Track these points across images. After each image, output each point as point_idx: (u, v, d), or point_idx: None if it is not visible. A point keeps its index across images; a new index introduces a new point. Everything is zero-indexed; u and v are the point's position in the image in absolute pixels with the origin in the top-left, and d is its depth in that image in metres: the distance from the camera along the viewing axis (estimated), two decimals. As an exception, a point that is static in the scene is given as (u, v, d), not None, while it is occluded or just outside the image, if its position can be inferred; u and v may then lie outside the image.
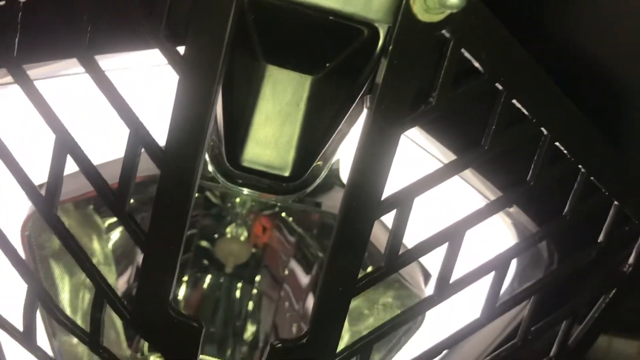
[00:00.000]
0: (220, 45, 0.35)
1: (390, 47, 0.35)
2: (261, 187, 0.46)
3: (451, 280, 0.42)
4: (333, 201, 0.56)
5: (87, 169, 0.38)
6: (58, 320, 0.41)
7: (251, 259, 0.63)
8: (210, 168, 0.44)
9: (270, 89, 0.43)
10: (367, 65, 0.43)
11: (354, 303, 0.57)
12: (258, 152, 0.44)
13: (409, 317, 0.42)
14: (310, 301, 0.63)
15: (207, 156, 0.43)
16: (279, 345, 0.40)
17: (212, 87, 0.35)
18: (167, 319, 0.39)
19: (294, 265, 0.63)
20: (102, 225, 0.58)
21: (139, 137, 0.37)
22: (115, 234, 0.58)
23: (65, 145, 0.38)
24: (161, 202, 0.38)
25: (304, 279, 0.64)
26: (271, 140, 0.45)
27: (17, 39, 0.37)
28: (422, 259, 0.56)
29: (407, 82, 0.36)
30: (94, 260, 0.56)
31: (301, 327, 0.64)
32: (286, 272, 0.63)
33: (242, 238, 0.62)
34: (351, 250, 0.39)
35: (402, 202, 0.39)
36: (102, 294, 0.40)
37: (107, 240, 0.57)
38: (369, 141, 0.37)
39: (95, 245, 0.58)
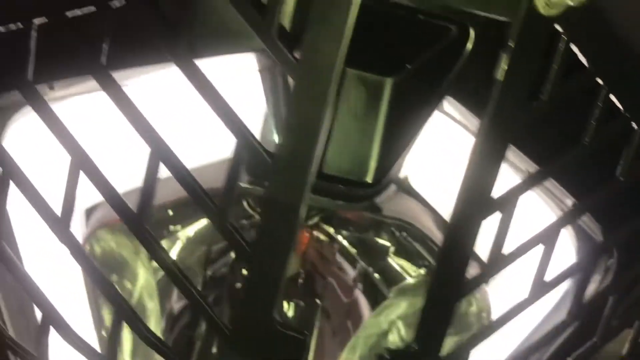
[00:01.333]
0: (337, 47, 0.34)
1: (512, 43, 0.34)
2: (340, 195, 0.45)
3: (546, 279, 0.42)
4: (395, 206, 0.55)
5: (184, 177, 0.36)
6: (148, 341, 0.39)
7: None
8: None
9: (349, 93, 0.42)
10: (453, 66, 0.42)
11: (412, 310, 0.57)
12: (339, 158, 0.43)
13: (506, 319, 0.42)
14: (352, 312, 0.62)
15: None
16: (389, 355, 0.39)
17: (329, 90, 0.34)
18: (272, 333, 0.38)
19: (336, 275, 0.62)
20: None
21: (160, 154, 0.36)
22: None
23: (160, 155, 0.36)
24: (269, 213, 0.36)
25: (345, 290, 0.63)
26: (352, 145, 0.44)
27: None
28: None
29: (525, 78, 0.35)
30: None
31: (343, 339, 0.62)
32: (328, 281, 0.62)
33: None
34: (460, 253, 0.38)
35: (508, 203, 0.38)
36: (199, 310, 0.38)
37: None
38: (485, 143, 0.36)
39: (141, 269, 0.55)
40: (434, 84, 0.43)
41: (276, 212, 0.36)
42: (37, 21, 0.36)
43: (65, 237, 0.39)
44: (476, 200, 0.37)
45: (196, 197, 0.36)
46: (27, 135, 0.46)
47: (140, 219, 0.37)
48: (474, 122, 0.45)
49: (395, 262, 0.59)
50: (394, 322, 0.59)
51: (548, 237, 0.40)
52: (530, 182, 0.39)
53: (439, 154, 0.50)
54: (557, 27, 0.35)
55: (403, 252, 0.57)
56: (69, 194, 0.38)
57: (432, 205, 0.52)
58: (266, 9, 0.34)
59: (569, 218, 0.41)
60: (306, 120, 0.34)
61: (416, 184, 0.52)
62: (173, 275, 0.38)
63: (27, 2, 0.37)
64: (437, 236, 0.54)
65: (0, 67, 0.37)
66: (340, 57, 0.33)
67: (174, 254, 0.55)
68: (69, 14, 0.36)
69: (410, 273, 0.59)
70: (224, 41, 0.39)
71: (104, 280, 0.39)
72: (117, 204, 0.37)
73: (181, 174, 0.36)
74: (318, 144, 0.35)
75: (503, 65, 0.35)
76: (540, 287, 0.41)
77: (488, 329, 0.42)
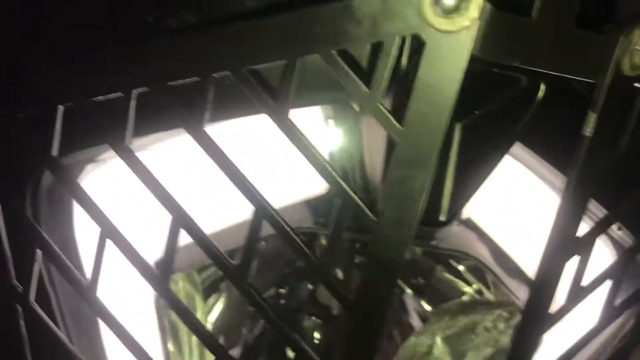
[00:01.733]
0: (445, 114, 0.35)
1: (599, 102, 0.37)
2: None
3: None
4: (450, 237, 0.57)
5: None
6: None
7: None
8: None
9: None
10: (523, 113, 0.45)
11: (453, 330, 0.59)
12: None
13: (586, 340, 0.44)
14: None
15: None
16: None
17: (433, 153, 0.36)
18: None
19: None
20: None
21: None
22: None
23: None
24: (373, 267, 0.38)
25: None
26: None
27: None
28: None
29: (609, 133, 0.38)
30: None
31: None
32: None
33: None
34: (548, 290, 0.41)
35: (588, 244, 0.41)
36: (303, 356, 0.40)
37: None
38: (573, 194, 0.38)
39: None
40: (503, 130, 0.45)
41: (379, 267, 0.38)
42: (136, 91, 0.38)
43: (165, 292, 0.41)
44: (562, 244, 0.40)
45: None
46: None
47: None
48: (535, 162, 0.47)
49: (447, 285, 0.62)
50: (434, 342, 0.62)
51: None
52: (602, 225, 0.42)
53: (500, 190, 0.53)
54: (637, 84, 0.38)
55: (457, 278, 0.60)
56: (169, 250, 0.40)
57: (490, 236, 0.55)
58: (372, 80, 0.35)
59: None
60: (411, 182, 0.36)
61: (476, 218, 0.55)
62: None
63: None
64: (491, 263, 0.57)
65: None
66: (446, 123, 0.35)
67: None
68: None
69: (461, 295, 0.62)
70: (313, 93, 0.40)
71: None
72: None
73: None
74: (421, 204, 0.37)
75: (590, 122, 0.37)
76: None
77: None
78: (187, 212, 0.39)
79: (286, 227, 0.38)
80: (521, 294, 0.59)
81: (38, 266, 0.42)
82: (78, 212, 0.49)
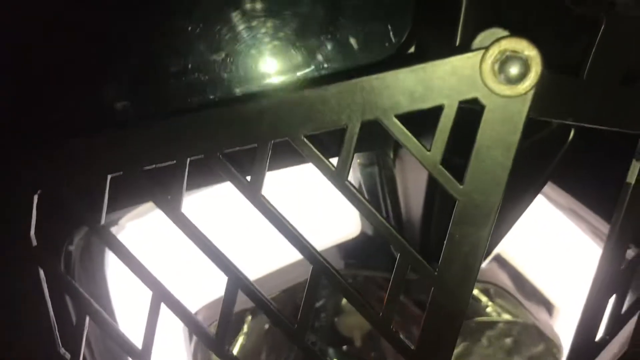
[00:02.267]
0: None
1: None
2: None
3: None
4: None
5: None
6: None
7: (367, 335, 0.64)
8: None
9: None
10: (555, 155, 0.47)
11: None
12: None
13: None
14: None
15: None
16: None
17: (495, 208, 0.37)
18: None
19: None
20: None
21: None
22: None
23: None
24: (434, 316, 0.39)
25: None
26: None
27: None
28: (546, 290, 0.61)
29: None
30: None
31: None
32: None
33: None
34: (593, 321, 0.43)
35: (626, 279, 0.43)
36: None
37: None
38: (616, 242, 0.40)
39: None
40: (535, 171, 0.47)
41: (442, 318, 0.39)
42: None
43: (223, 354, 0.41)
44: (605, 285, 0.42)
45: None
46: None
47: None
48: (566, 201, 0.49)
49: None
50: None
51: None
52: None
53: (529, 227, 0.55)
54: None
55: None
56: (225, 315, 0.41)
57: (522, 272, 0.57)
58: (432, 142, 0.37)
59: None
60: (472, 239, 0.38)
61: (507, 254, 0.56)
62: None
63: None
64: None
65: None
66: (505, 181, 0.37)
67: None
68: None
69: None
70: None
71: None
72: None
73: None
74: (481, 257, 0.38)
75: (635, 171, 0.39)
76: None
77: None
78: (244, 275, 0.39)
79: (348, 288, 0.39)
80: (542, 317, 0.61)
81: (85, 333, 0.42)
82: (110, 270, 0.49)
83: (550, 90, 0.36)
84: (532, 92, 0.35)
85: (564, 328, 0.61)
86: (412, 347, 0.40)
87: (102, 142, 0.38)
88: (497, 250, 0.57)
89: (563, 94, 0.37)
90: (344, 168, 0.37)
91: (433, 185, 0.46)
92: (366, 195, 0.54)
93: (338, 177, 0.37)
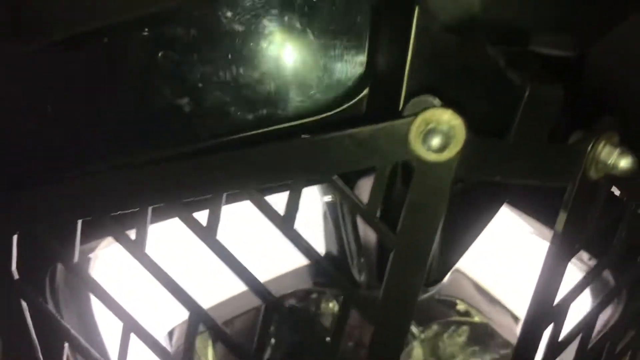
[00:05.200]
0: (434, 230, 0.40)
1: (569, 203, 0.42)
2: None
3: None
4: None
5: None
6: None
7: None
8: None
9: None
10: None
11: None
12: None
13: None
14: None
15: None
16: None
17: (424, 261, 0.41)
18: None
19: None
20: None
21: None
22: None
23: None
24: (375, 347, 0.43)
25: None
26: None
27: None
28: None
29: (577, 226, 0.43)
30: None
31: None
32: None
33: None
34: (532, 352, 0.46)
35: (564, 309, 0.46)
36: None
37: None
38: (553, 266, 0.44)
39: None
40: (493, 194, 0.50)
41: (382, 346, 0.43)
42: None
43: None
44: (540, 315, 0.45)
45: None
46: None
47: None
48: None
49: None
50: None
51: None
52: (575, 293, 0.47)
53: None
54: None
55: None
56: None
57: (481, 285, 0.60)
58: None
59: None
60: (408, 279, 0.41)
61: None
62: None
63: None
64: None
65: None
66: (435, 233, 0.40)
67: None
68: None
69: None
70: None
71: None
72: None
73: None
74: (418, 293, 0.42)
75: (561, 219, 0.42)
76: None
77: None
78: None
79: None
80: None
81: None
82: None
83: (478, 153, 0.39)
84: (456, 159, 0.38)
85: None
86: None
87: (72, 188, 0.42)
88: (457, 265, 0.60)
89: (490, 155, 0.39)
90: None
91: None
92: (330, 224, 0.58)
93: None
